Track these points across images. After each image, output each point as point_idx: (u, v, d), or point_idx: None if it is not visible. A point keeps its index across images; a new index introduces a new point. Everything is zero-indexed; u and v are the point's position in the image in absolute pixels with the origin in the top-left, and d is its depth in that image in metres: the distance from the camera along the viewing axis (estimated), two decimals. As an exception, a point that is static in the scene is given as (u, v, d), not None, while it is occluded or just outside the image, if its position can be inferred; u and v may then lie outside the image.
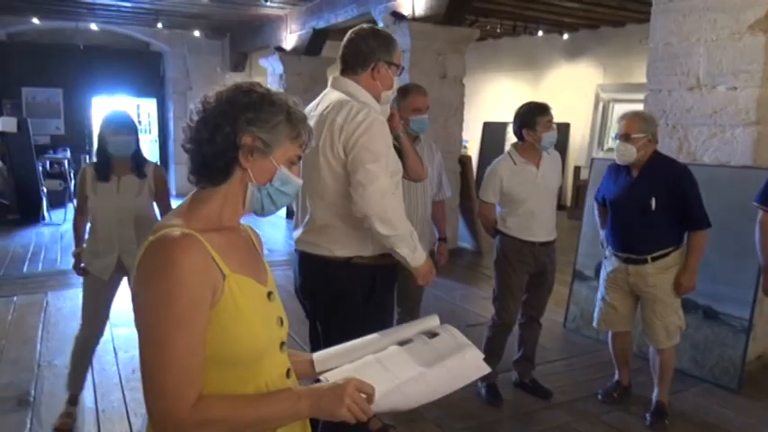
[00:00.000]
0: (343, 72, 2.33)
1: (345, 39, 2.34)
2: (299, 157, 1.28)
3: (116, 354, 4.10)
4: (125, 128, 3.11)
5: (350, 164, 2.14)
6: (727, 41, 3.75)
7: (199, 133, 1.20)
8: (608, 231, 3.37)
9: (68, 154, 10.51)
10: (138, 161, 3.19)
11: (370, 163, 2.12)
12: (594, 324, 3.57)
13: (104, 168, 3.13)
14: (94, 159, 3.22)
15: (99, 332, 3.27)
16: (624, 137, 3.10)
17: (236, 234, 1.29)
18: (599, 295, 3.51)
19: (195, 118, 1.21)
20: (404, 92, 3.35)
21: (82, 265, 3.21)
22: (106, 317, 3.27)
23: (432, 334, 1.46)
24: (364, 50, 2.27)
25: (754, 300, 3.63)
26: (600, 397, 3.55)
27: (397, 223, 2.17)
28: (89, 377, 3.38)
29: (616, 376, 3.59)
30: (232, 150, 1.19)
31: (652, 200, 3.09)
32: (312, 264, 2.31)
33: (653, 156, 3.16)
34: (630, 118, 3.17)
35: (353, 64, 2.29)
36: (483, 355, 1.41)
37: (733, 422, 3.35)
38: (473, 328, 3.57)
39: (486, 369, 1.39)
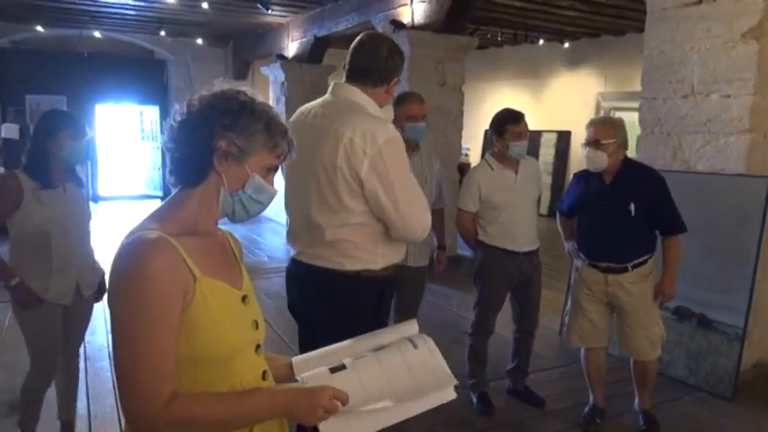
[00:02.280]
0: (355, 81, 2.24)
1: (364, 49, 2.25)
2: (276, 168, 1.31)
3: (110, 359, 4.10)
4: (83, 132, 2.69)
5: (372, 189, 2.09)
6: (720, 49, 3.75)
7: (179, 133, 1.24)
8: (581, 241, 3.26)
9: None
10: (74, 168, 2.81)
11: (405, 188, 2.11)
12: (568, 341, 3.38)
13: (45, 174, 2.63)
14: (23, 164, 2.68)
15: (56, 369, 2.82)
16: (594, 143, 3.02)
17: (212, 239, 1.31)
18: (570, 309, 3.36)
19: (178, 119, 1.26)
20: (400, 99, 3.37)
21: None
22: (62, 350, 2.80)
23: (410, 344, 1.45)
24: (390, 66, 2.24)
25: (749, 307, 3.61)
26: (582, 427, 3.31)
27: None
28: (82, 382, 3.38)
29: (591, 400, 3.38)
30: (207, 153, 1.23)
31: (631, 206, 3.01)
32: (319, 277, 2.23)
33: (624, 162, 3.10)
34: (599, 124, 3.11)
35: (376, 78, 2.23)
36: (456, 382, 1.38)
37: (726, 430, 3.33)
38: (469, 336, 3.57)
39: (453, 395, 1.37)
